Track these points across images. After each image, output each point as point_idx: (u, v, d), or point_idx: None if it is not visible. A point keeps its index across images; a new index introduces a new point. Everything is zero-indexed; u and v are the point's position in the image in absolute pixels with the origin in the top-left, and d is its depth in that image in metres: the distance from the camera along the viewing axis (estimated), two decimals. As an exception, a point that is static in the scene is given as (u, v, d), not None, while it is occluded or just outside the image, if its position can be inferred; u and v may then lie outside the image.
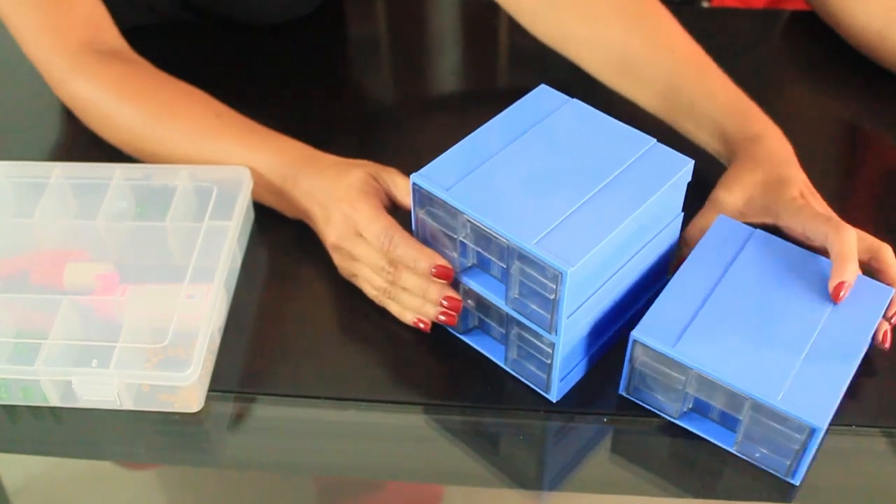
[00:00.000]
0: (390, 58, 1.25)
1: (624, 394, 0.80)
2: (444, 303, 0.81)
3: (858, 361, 0.76)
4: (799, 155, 0.90)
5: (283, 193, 0.92)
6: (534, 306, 0.75)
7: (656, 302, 0.78)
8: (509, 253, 0.74)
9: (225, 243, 0.86)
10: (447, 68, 1.22)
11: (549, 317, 0.74)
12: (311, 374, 0.85)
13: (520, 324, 0.78)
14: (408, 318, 0.85)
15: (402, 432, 0.82)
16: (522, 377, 0.82)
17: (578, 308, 0.75)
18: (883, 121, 1.10)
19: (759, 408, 0.73)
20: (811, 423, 0.71)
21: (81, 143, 1.00)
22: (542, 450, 0.81)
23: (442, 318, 0.82)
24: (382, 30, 1.30)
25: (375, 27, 1.30)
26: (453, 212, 0.76)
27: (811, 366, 0.74)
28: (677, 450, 0.80)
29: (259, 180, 0.92)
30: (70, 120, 0.99)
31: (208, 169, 0.92)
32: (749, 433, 0.75)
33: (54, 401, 0.81)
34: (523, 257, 0.73)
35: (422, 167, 0.78)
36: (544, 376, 0.79)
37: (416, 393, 0.83)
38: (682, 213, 0.83)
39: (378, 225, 0.82)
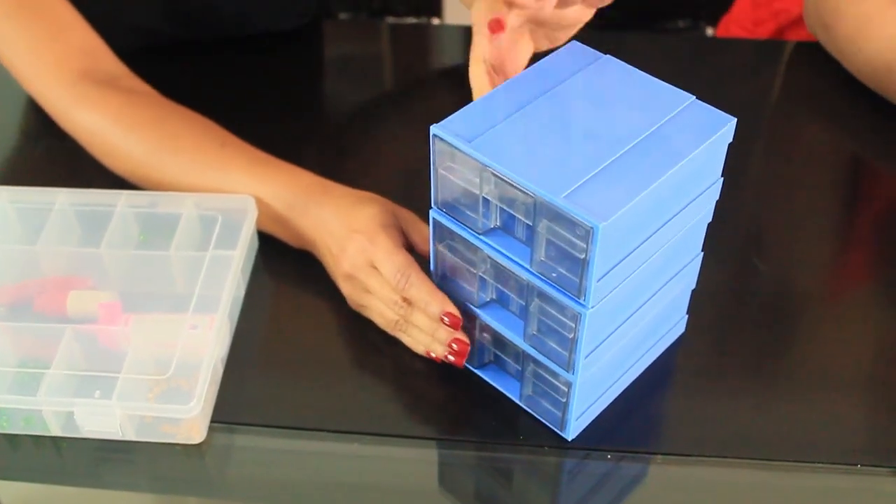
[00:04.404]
0: (376, 80, 1.25)
1: (434, 207, 0.77)
2: (454, 346, 0.81)
3: (663, 176, 0.70)
4: (802, 186, 0.88)
5: (288, 223, 0.91)
6: (552, 344, 0.74)
7: (469, 105, 0.74)
8: (529, 290, 0.73)
9: (229, 273, 0.86)
10: (433, 89, 1.22)
11: (567, 355, 0.73)
12: (315, 406, 0.84)
13: (536, 361, 0.77)
14: (419, 349, 0.84)
15: (410, 467, 0.81)
16: (537, 414, 0.81)
17: (597, 347, 0.74)
18: (886, 154, 1.10)
19: (547, 212, 0.68)
20: (590, 222, 0.66)
21: (86, 168, 0.99)
22: (555, 487, 0.80)
23: (451, 358, 0.82)
24: (386, 52, 1.29)
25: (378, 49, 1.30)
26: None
27: (610, 176, 0.69)
28: (695, 485, 0.79)
29: (264, 209, 0.91)
30: (74, 145, 0.98)
31: (213, 197, 0.91)
32: (548, 253, 0.71)
33: (56, 430, 0.80)
34: (543, 294, 0.72)
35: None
36: (559, 414, 0.78)
37: (426, 427, 0.82)
38: (702, 251, 0.81)
39: (395, 261, 0.81)
